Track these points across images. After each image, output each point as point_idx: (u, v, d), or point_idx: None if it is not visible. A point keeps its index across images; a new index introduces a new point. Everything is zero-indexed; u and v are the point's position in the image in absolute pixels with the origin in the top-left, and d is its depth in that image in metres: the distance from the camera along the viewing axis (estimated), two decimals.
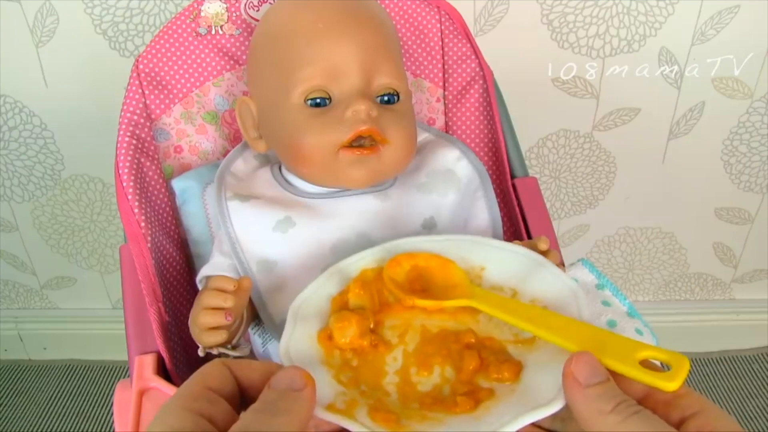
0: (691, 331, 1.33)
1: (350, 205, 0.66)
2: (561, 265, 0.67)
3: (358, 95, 0.63)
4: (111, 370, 1.35)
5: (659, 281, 1.32)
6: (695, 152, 1.15)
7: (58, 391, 1.31)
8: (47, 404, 1.29)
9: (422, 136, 0.75)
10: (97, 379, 1.34)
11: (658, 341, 0.67)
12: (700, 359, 1.32)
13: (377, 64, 0.64)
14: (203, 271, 0.65)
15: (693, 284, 1.32)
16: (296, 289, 0.63)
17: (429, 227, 0.66)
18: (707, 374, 1.29)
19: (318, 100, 0.64)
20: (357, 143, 0.63)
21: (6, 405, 1.29)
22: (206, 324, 0.56)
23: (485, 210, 0.72)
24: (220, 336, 0.56)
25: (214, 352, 0.57)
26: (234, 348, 0.59)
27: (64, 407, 1.28)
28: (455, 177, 0.71)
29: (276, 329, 0.62)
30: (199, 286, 0.66)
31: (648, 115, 1.12)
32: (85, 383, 1.33)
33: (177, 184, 0.73)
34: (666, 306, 1.34)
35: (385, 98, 0.65)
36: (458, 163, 0.73)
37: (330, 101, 0.64)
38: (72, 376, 1.35)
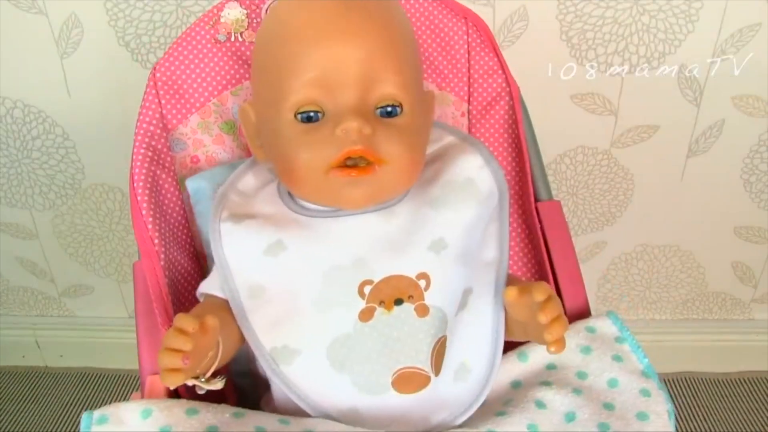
0: (709, 351, 1.31)
1: (349, 225, 0.62)
2: (587, 313, 0.65)
3: (350, 111, 0.57)
4: (125, 379, 1.36)
5: (677, 300, 1.30)
6: (714, 170, 1.14)
7: (73, 399, 1.32)
8: (62, 411, 1.29)
9: (446, 140, 0.69)
10: (111, 387, 1.34)
11: (673, 408, 0.62)
12: (718, 380, 1.30)
13: (378, 71, 0.58)
14: (200, 287, 0.65)
15: (711, 303, 1.31)
16: (285, 316, 0.60)
17: (437, 249, 0.61)
18: (726, 396, 1.27)
19: (310, 114, 0.58)
20: (351, 162, 0.57)
21: (22, 411, 1.30)
22: (162, 365, 0.51)
23: (494, 237, 0.66)
24: (178, 378, 0.51)
25: (189, 383, 0.55)
26: (207, 381, 0.56)
27: (78, 415, 1.28)
28: (474, 188, 0.65)
29: (265, 357, 0.60)
30: (200, 300, 0.66)
31: (667, 132, 1.11)
32: (99, 392, 1.34)
33: (191, 183, 0.72)
34: (683, 325, 1.32)
35: (388, 109, 0.59)
36: (480, 172, 0.66)
37: (323, 115, 0.58)
38: (87, 384, 1.35)
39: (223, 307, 0.62)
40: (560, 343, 0.55)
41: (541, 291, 0.54)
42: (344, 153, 0.57)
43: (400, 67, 0.60)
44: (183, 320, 0.51)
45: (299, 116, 0.59)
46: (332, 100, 0.58)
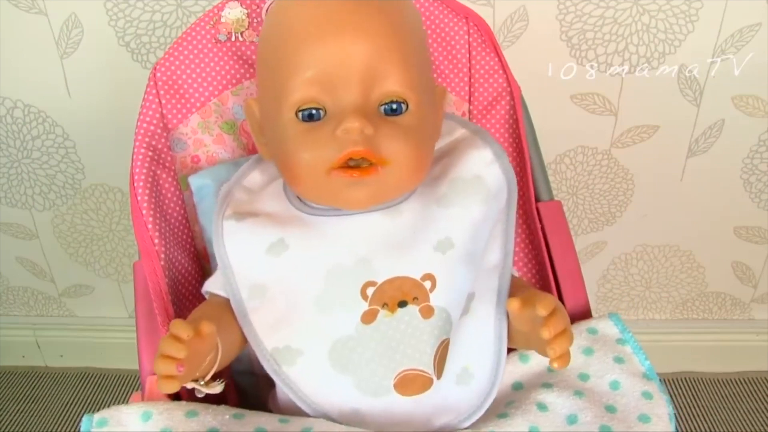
0: (709, 351, 1.31)
1: (353, 224, 0.61)
2: (588, 313, 0.64)
3: (352, 110, 0.55)
4: (125, 379, 1.36)
5: (677, 300, 1.31)
6: (714, 170, 1.14)
7: (73, 399, 1.32)
8: (62, 411, 1.29)
9: (457, 133, 0.68)
10: (111, 387, 1.34)
11: (674, 411, 0.62)
12: (718, 380, 1.30)
13: (382, 68, 0.56)
14: (205, 285, 0.65)
15: (711, 303, 1.31)
16: (287, 317, 0.60)
17: (443, 249, 0.60)
18: (726, 396, 1.27)
19: (312, 112, 0.57)
20: (353, 163, 0.56)
21: (22, 411, 1.30)
22: (158, 372, 0.50)
23: (499, 240, 0.65)
24: (173, 385, 0.50)
25: (188, 386, 0.55)
26: (206, 385, 0.55)
27: (78, 415, 1.28)
28: (483, 185, 0.63)
29: (266, 358, 0.60)
30: (206, 297, 0.66)
31: (667, 132, 1.11)
32: (99, 392, 1.34)
33: (194, 181, 0.72)
34: (683, 325, 1.32)
35: (393, 107, 0.57)
36: (489, 168, 0.64)
37: (325, 113, 0.57)
38: (87, 384, 1.35)
39: (227, 306, 0.62)
40: (564, 359, 0.53)
41: (545, 305, 0.52)
42: (345, 154, 0.55)
43: (405, 62, 0.57)
44: (178, 327, 0.50)
45: (300, 114, 0.57)
46: (334, 98, 0.56)
